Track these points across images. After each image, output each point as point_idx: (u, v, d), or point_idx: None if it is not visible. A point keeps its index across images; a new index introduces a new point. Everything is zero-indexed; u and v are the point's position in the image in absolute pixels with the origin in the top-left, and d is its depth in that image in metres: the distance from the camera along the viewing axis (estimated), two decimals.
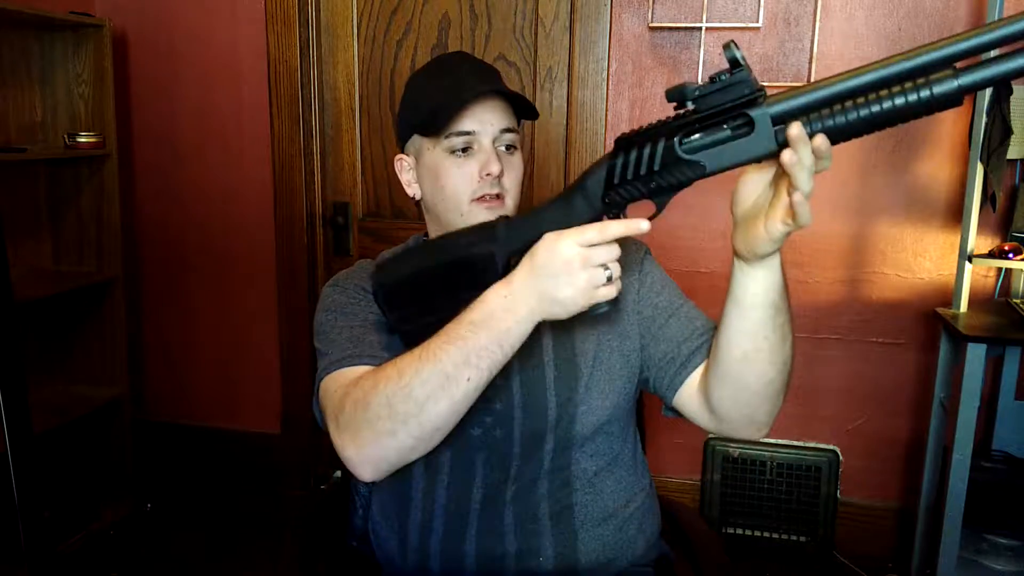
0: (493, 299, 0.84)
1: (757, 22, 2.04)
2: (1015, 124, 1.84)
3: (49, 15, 2.08)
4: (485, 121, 1.01)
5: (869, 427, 2.20)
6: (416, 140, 1.07)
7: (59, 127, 2.27)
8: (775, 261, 0.82)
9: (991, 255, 1.91)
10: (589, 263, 0.79)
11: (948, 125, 2.02)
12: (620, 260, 0.81)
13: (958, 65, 0.65)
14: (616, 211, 0.84)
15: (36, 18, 2.08)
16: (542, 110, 2.23)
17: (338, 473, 1.28)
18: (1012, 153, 1.85)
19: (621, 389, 1.04)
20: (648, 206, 0.82)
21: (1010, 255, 1.87)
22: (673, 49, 2.11)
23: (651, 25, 2.10)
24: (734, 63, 0.71)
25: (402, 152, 1.10)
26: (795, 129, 0.69)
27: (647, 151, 0.78)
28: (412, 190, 1.10)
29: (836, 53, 2.03)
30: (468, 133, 1.00)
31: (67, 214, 2.34)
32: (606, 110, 2.16)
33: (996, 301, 2.03)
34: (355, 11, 2.29)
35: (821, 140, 0.69)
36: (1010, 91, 1.84)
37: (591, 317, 0.86)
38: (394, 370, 0.86)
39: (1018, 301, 1.95)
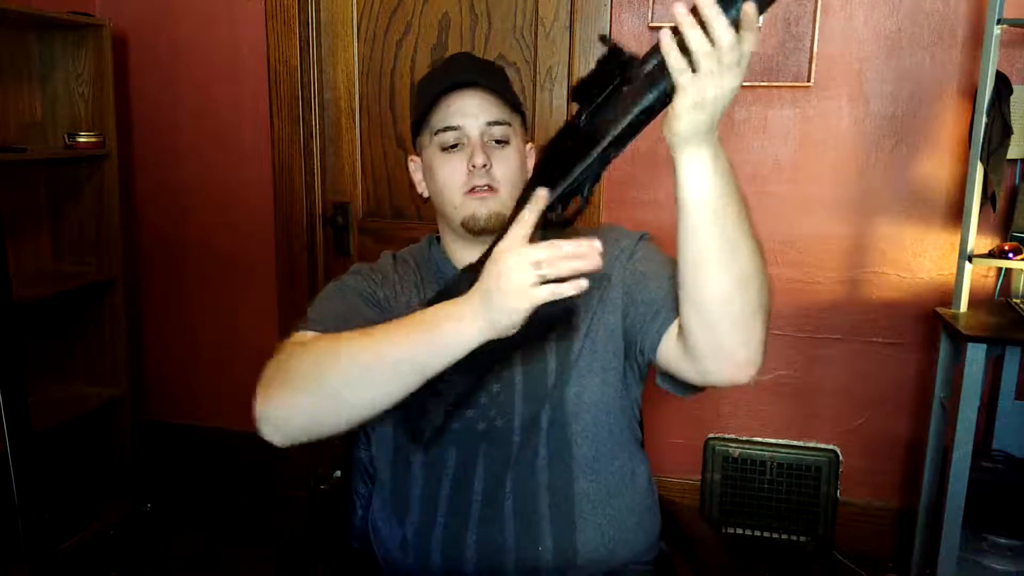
0: (446, 304, 0.85)
1: (757, 22, 2.04)
2: (1015, 124, 1.84)
3: (49, 15, 2.08)
4: (469, 115, 1.04)
5: (869, 427, 2.20)
6: (419, 140, 1.11)
7: (59, 127, 2.27)
8: (702, 153, 0.80)
9: (991, 255, 1.91)
10: (519, 262, 0.77)
11: (948, 125, 2.02)
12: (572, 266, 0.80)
13: None
14: (560, 205, 0.87)
15: (36, 18, 2.08)
16: (542, 110, 2.23)
17: (338, 473, 1.28)
18: (1012, 153, 1.86)
19: (608, 366, 1.05)
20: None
21: (1010, 255, 1.87)
22: None
23: (651, 25, 2.10)
24: (605, 41, 0.79)
25: (415, 154, 1.15)
26: (678, 12, 0.74)
27: (559, 142, 0.85)
28: (421, 188, 1.14)
29: (836, 53, 2.03)
30: (455, 128, 1.04)
31: (67, 214, 2.34)
32: None
33: (996, 301, 2.03)
34: (355, 11, 2.29)
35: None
36: (1010, 91, 1.84)
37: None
38: (334, 338, 0.89)
39: (1018, 301, 1.95)
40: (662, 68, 0.75)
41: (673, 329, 0.98)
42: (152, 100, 2.50)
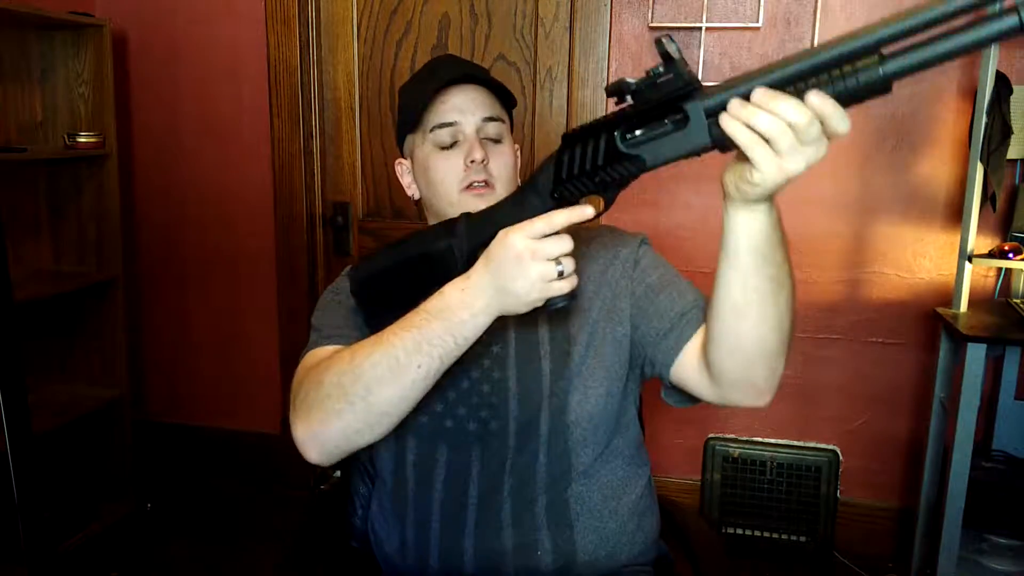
0: (451, 291, 0.86)
1: (757, 22, 2.04)
2: (1015, 124, 1.84)
3: (49, 15, 2.08)
4: (465, 111, 1.03)
5: (869, 427, 2.20)
6: (409, 141, 1.10)
7: (59, 127, 2.27)
8: (761, 209, 0.77)
9: (991, 255, 1.91)
10: (539, 256, 0.80)
11: (948, 125, 2.02)
12: (575, 255, 0.82)
13: (885, 51, 0.63)
14: (567, 206, 0.84)
15: (36, 18, 2.08)
16: (542, 110, 2.23)
17: (338, 473, 1.28)
18: (1012, 153, 1.85)
19: (614, 375, 1.04)
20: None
21: (1010, 255, 1.87)
22: None
23: (651, 25, 2.10)
24: (667, 57, 0.71)
25: (401, 157, 1.14)
26: (733, 104, 0.68)
27: (590, 147, 0.80)
28: (412, 191, 1.13)
29: None
30: (450, 124, 1.03)
31: (67, 214, 2.34)
32: (606, 110, 2.16)
33: (996, 301, 2.03)
34: (355, 11, 2.29)
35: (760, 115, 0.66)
36: (1010, 91, 1.84)
37: (577, 309, 0.87)
38: (349, 353, 0.89)
39: (1018, 301, 1.95)
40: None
41: (689, 349, 0.98)
42: (152, 100, 2.50)
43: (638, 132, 0.76)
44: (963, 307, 1.91)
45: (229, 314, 2.56)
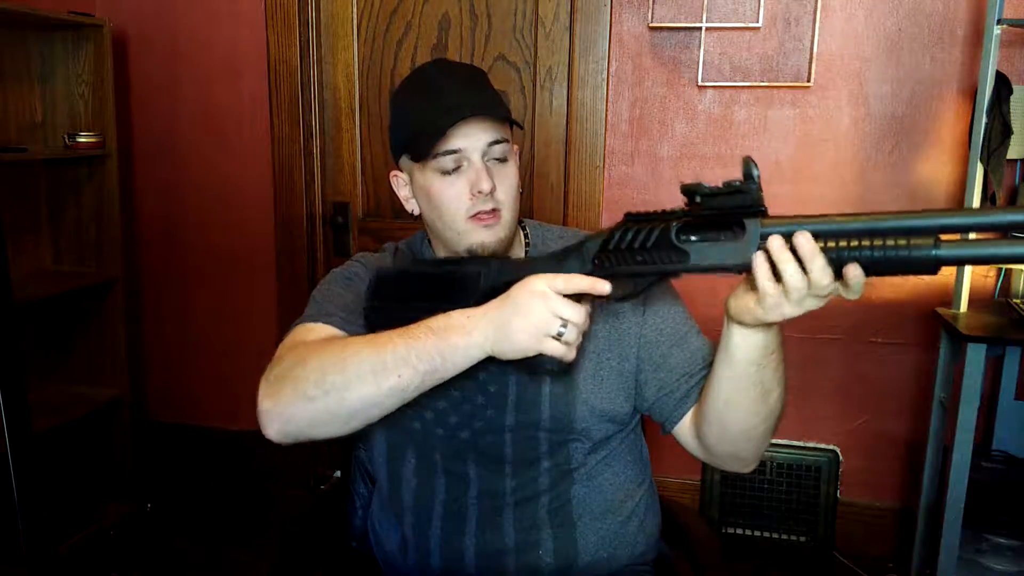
0: (457, 315, 0.86)
1: (757, 22, 2.04)
2: (1015, 124, 1.84)
3: (49, 15, 2.08)
4: (471, 136, 0.99)
5: (869, 427, 2.19)
6: (406, 159, 1.06)
7: (59, 127, 2.27)
8: (763, 329, 0.82)
9: None
10: (548, 307, 0.81)
11: (948, 125, 2.02)
12: (586, 334, 0.84)
13: (942, 237, 0.69)
14: (602, 276, 0.86)
15: (36, 18, 2.08)
16: (542, 110, 2.23)
17: (338, 473, 1.28)
18: (1012, 153, 1.85)
19: (619, 407, 1.04)
20: None
21: None
22: (673, 49, 2.11)
23: (651, 25, 2.10)
24: (747, 176, 0.75)
25: (397, 168, 1.10)
26: (775, 241, 0.72)
27: (645, 230, 0.82)
28: (410, 206, 1.09)
29: (836, 53, 2.03)
30: (455, 152, 0.99)
31: (67, 214, 2.34)
32: (606, 110, 2.16)
33: (996, 301, 2.03)
34: (355, 11, 2.30)
35: (795, 270, 0.71)
36: (1010, 91, 1.84)
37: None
38: (342, 343, 0.90)
39: (1018, 301, 1.95)
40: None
41: (690, 415, 1.01)
42: (152, 100, 2.50)
43: (693, 232, 0.80)
44: (963, 307, 1.91)
45: (229, 314, 2.56)
